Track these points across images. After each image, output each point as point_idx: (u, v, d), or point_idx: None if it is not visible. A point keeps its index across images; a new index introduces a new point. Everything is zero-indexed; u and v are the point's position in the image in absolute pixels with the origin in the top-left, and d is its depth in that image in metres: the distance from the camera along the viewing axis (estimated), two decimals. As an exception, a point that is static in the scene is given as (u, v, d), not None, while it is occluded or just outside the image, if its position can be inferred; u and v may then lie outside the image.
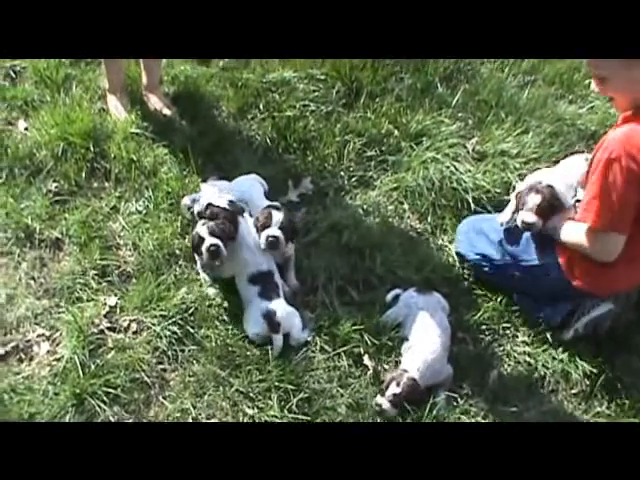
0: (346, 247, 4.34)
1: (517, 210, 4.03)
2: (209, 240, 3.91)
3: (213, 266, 4.08)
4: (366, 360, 3.92)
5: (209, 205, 4.07)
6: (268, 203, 4.26)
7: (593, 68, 3.69)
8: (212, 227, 3.94)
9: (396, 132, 4.94)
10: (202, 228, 3.95)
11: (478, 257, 4.23)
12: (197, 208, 4.19)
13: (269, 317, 3.87)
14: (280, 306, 3.94)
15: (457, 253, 4.39)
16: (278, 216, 4.03)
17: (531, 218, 3.92)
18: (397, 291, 4.15)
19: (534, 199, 3.92)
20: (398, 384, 3.68)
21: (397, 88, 5.24)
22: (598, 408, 3.92)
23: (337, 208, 4.56)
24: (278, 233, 4.00)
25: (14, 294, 4.10)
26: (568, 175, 4.21)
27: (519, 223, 3.96)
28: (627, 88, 3.66)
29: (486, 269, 4.22)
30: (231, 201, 4.14)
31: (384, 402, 3.70)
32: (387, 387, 3.71)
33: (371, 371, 3.89)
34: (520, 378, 4.02)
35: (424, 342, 3.87)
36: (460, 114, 5.13)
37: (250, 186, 4.42)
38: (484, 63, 5.57)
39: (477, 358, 4.04)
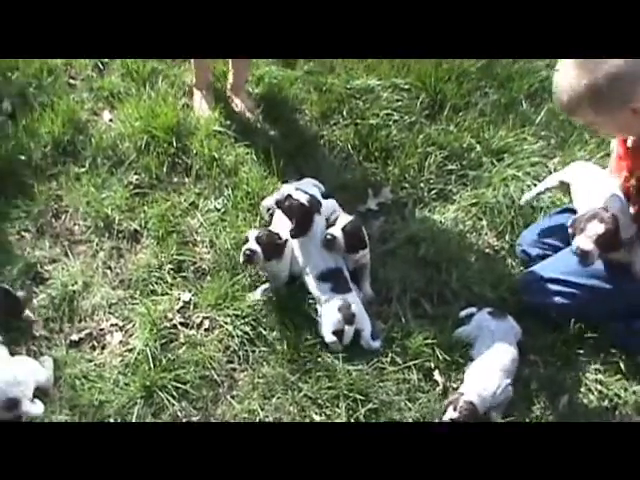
0: (422, 260, 4.29)
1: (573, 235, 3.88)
2: (249, 245, 3.92)
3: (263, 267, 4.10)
4: (437, 376, 3.89)
5: (288, 196, 4.05)
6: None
7: (577, 118, 3.62)
8: (260, 234, 3.95)
9: (478, 147, 4.87)
10: (253, 232, 3.97)
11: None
12: (277, 197, 4.15)
13: (344, 308, 3.87)
14: (354, 299, 3.95)
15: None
16: (345, 219, 4.03)
17: (588, 246, 3.75)
18: (472, 309, 4.09)
19: (596, 228, 3.73)
20: (455, 408, 3.62)
21: (481, 103, 5.17)
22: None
23: (415, 220, 4.52)
24: (338, 234, 3.99)
25: (90, 282, 4.15)
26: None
27: (574, 248, 3.82)
28: (622, 131, 3.58)
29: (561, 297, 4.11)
30: (311, 196, 4.12)
31: None
32: (445, 411, 3.66)
33: (440, 387, 3.85)
34: (591, 406, 3.92)
35: (489, 367, 3.80)
36: (543, 132, 5.04)
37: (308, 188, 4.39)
38: (570, 82, 5.47)
39: (547, 382, 3.95)
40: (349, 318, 3.87)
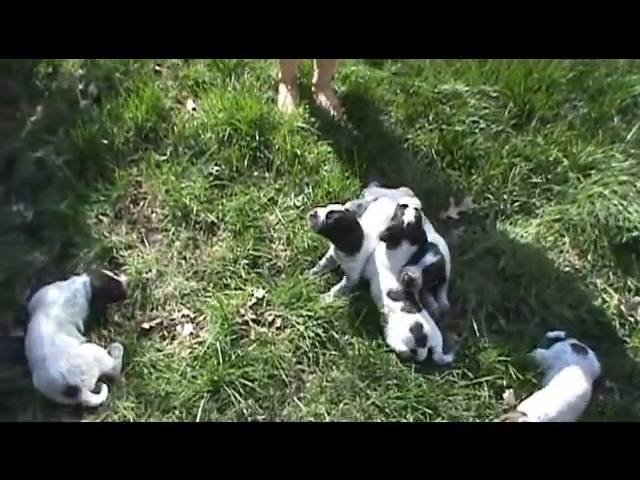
0: (501, 273, 4.20)
1: None
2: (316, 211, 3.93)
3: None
4: (507, 395, 3.79)
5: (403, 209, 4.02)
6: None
7: None
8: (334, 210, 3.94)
9: (565, 161, 4.74)
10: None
11: None
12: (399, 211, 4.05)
13: (417, 330, 3.80)
14: (425, 318, 3.87)
15: None
16: (430, 259, 3.95)
17: None
18: (559, 334, 3.99)
19: None
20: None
21: (570, 115, 5.03)
22: None
23: (496, 232, 4.43)
24: (417, 275, 3.91)
25: (164, 271, 4.15)
26: None
27: None
28: None
29: None
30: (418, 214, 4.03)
31: None
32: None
33: (508, 398, 3.78)
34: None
35: (557, 397, 3.68)
36: (633, 150, 4.86)
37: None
38: (665, 99, 5.30)
39: (623, 411, 3.83)
40: (422, 340, 3.81)
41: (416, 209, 3.99)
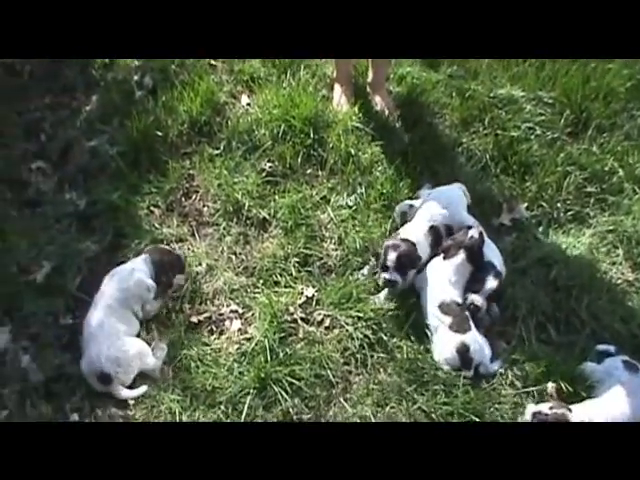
0: (553, 283, 4.14)
1: None
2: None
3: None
4: (550, 389, 3.77)
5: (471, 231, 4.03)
6: (470, 221, 4.17)
7: None
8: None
9: (620, 171, 4.68)
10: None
11: None
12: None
13: (462, 353, 3.76)
14: (473, 339, 3.80)
15: None
16: (492, 283, 3.93)
17: None
18: (610, 348, 3.91)
19: None
20: (551, 408, 3.51)
21: (628, 125, 4.96)
22: None
23: (549, 240, 4.37)
24: (481, 302, 3.92)
25: (214, 265, 4.15)
26: None
27: None
28: None
29: None
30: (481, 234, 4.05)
31: (529, 409, 3.58)
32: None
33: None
34: None
35: (605, 410, 3.60)
36: (690, 163, 4.80)
37: (454, 199, 4.27)
38: None
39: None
40: (467, 362, 3.77)
41: (480, 232, 4.00)
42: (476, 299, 3.91)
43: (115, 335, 3.71)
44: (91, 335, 3.69)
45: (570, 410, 3.54)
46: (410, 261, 3.95)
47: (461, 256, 3.94)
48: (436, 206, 4.15)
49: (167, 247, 4.09)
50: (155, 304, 3.94)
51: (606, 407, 3.62)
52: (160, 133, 4.65)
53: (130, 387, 3.70)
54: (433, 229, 4.09)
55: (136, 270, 3.91)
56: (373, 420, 3.61)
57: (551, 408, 3.53)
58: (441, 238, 4.10)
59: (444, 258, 3.99)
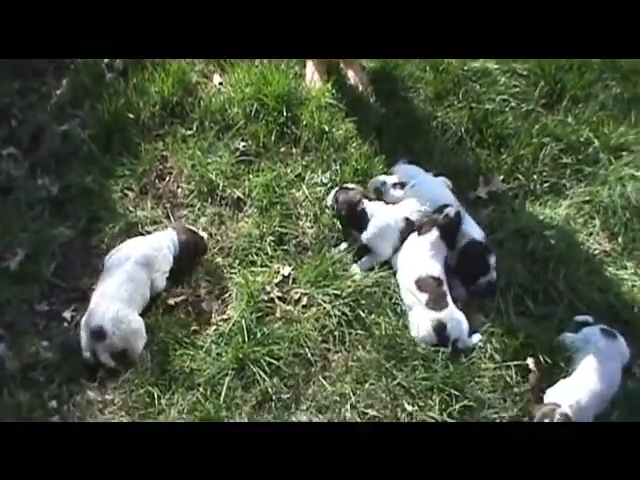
0: (530, 255, 4.13)
1: None
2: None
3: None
4: (530, 365, 3.76)
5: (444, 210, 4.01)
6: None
7: None
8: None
9: (596, 142, 4.65)
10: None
11: None
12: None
13: (439, 331, 3.75)
14: (450, 316, 3.79)
15: None
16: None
17: None
18: (588, 318, 3.92)
19: None
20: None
21: (602, 95, 4.93)
22: None
23: (525, 212, 4.35)
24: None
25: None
26: None
27: None
28: None
29: None
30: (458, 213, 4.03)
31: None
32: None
33: (533, 379, 3.73)
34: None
35: (586, 383, 3.63)
36: (666, 132, 4.79)
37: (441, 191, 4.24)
38: (699, 79, 5.19)
39: (652, 398, 3.78)
40: (444, 340, 3.76)
41: (457, 212, 3.98)
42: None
43: (128, 302, 3.70)
44: (104, 293, 3.70)
45: (558, 405, 3.53)
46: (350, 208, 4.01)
47: (435, 233, 3.92)
48: (419, 202, 4.11)
49: (192, 228, 4.08)
50: (164, 283, 3.92)
51: (586, 380, 3.64)
52: (132, 115, 4.62)
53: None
54: (408, 221, 4.07)
55: (164, 244, 3.90)
56: (352, 397, 3.60)
57: (546, 417, 3.50)
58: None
59: (419, 234, 3.97)
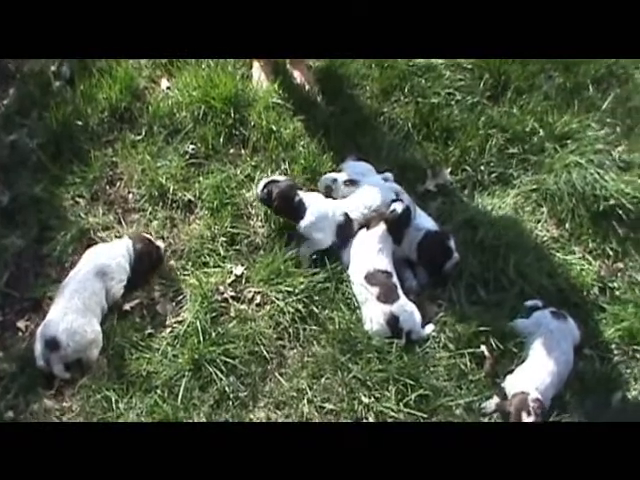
0: (480, 244, 4.19)
1: None
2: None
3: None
4: (485, 351, 3.83)
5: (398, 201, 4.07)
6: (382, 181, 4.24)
7: None
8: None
9: (541, 131, 4.74)
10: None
11: None
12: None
13: (392, 324, 3.79)
14: (401, 308, 3.83)
15: None
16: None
17: None
18: (537, 303, 3.99)
19: None
20: (529, 412, 3.52)
21: (546, 86, 5.01)
22: None
23: (474, 203, 4.42)
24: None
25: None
26: None
27: None
28: None
29: None
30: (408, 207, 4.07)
31: None
32: (518, 417, 3.55)
33: (488, 366, 3.79)
34: (646, 405, 3.84)
35: (545, 365, 3.71)
36: (608, 119, 4.87)
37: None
38: (639, 67, 5.28)
39: (603, 378, 3.87)
40: (398, 332, 3.80)
41: (408, 206, 4.02)
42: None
43: (83, 312, 3.69)
44: (59, 304, 3.70)
45: (527, 392, 3.59)
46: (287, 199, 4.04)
47: (382, 227, 3.97)
48: (361, 202, 4.14)
49: (149, 236, 4.07)
50: (121, 291, 3.91)
51: (544, 363, 3.72)
52: (80, 122, 4.60)
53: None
54: (347, 217, 4.09)
55: (119, 252, 3.91)
56: (309, 392, 3.64)
57: (523, 410, 3.54)
58: (349, 229, 4.10)
59: (367, 229, 4.01)
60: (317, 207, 4.05)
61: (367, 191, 4.15)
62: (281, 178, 4.14)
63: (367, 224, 4.04)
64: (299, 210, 4.03)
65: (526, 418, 3.50)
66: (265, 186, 4.07)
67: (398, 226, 3.99)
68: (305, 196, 4.08)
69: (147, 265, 3.99)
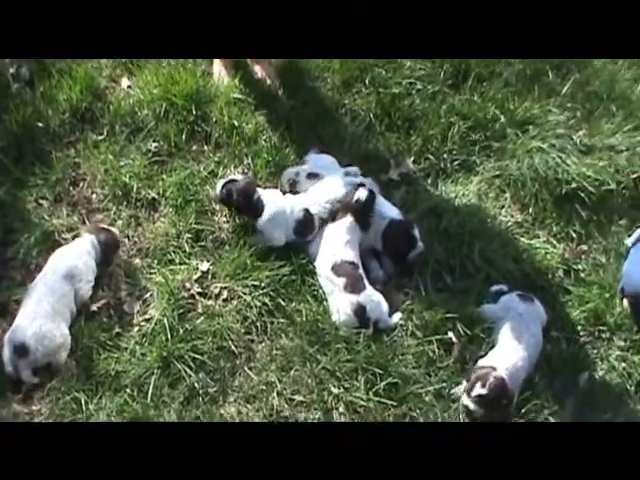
0: (445, 232, 4.23)
1: None
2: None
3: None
4: (452, 337, 3.87)
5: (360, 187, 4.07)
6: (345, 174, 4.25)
7: None
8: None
9: (502, 118, 4.77)
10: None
11: None
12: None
13: (359, 314, 3.81)
14: (368, 298, 3.85)
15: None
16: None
17: None
18: (503, 287, 4.03)
19: None
20: (484, 385, 3.56)
21: (506, 73, 5.05)
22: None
23: (438, 191, 4.46)
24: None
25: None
26: None
27: None
28: None
29: None
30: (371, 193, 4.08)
31: (470, 404, 3.62)
32: (472, 387, 3.60)
33: (456, 352, 3.83)
34: (612, 384, 3.91)
35: (517, 348, 3.74)
36: (569, 104, 4.93)
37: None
38: (597, 53, 5.32)
39: (570, 359, 3.93)
40: (365, 321, 3.82)
41: (371, 191, 4.02)
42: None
43: (52, 316, 3.66)
44: (27, 309, 3.67)
45: (494, 368, 3.64)
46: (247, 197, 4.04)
47: (349, 218, 3.99)
48: (325, 197, 4.15)
49: (105, 226, 4.07)
50: (90, 292, 3.89)
51: (515, 344, 3.76)
52: (41, 124, 4.55)
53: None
54: (307, 213, 4.11)
55: (84, 250, 3.88)
56: (279, 385, 3.65)
57: (479, 380, 3.59)
58: (310, 225, 4.11)
59: (333, 221, 4.03)
60: (275, 204, 4.06)
61: (327, 184, 4.16)
62: (239, 177, 4.14)
63: (333, 217, 4.05)
64: (258, 208, 4.03)
65: (479, 389, 3.55)
66: (224, 186, 4.06)
67: (364, 212, 4.00)
68: (264, 193, 4.08)
69: (113, 252, 4.00)
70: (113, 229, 4.06)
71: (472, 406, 3.61)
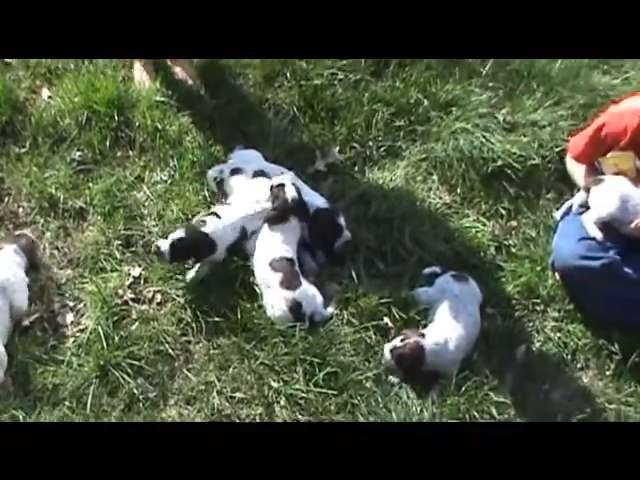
0: (374, 218, 4.25)
1: None
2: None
3: None
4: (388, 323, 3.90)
5: (280, 186, 4.05)
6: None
7: None
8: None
9: (425, 102, 4.80)
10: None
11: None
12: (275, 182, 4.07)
13: (295, 309, 3.81)
14: (304, 294, 3.85)
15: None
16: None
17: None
18: (435, 269, 4.07)
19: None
20: (403, 340, 3.65)
21: (427, 56, 5.08)
22: (630, 388, 3.84)
23: (365, 178, 4.47)
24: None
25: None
26: None
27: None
28: None
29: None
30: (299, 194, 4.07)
31: (386, 348, 3.70)
32: (393, 338, 3.72)
33: (393, 336, 3.83)
34: (549, 355, 3.95)
35: (455, 328, 3.78)
36: (491, 84, 4.98)
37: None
38: (516, 32, 5.38)
39: (506, 334, 3.97)
40: (301, 317, 3.82)
41: (294, 184, 4.03)
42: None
43: None
44: None
45: (423, 335, 3.70)
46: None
47: (287, 218, 4.02)
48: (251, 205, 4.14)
49: (19, 231, 4.05)
50: (26, 302, 3.85)
51: (452, 322, 3.80)
52: (-39, 141, 4.50)
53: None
54: (243, 230, 4.08)
55: (11, 261, 3.84)
56: (218, 384, 3.66)
57: (403, 340, 3.67)
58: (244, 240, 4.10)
59: (270, 224, 4.04)
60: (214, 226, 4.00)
61: (254, 187, 4.16)
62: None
63: (269, 219, 4.05)
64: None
65: (396, 341, 3.68)
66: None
67: (301, 207, 4.03)
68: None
69: (36, 254, 3.99)
70: (26, 232, 4.04)
71: (387, 355, 3.70)
